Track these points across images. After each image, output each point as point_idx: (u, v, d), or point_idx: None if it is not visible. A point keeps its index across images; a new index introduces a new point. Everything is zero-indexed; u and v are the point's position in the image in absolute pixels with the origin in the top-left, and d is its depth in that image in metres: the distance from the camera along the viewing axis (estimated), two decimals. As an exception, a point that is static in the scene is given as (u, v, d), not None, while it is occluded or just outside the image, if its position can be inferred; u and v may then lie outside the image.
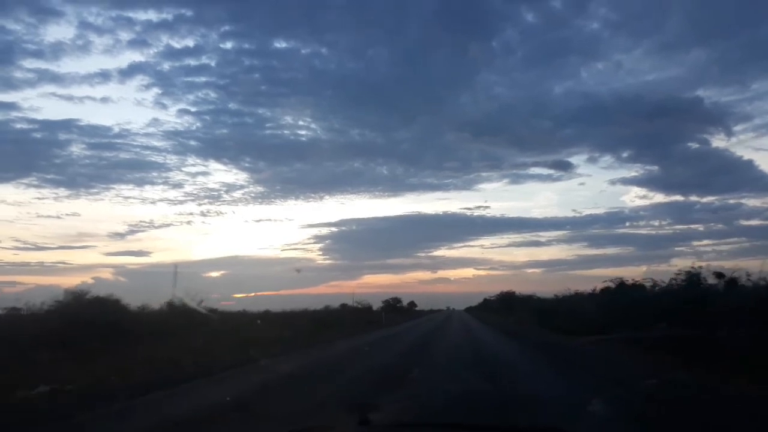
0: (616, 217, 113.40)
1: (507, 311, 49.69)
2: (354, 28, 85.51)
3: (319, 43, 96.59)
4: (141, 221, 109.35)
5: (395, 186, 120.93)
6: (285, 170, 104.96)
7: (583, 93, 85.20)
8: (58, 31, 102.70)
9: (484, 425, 3.94)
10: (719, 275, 17.82)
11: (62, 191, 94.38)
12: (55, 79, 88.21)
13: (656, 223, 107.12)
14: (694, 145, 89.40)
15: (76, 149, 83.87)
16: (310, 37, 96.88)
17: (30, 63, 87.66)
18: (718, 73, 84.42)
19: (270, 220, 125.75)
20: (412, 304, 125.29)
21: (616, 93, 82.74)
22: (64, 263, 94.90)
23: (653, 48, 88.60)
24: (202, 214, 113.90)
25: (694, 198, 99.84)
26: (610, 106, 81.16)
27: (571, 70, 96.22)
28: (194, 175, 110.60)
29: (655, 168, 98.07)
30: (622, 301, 22.48)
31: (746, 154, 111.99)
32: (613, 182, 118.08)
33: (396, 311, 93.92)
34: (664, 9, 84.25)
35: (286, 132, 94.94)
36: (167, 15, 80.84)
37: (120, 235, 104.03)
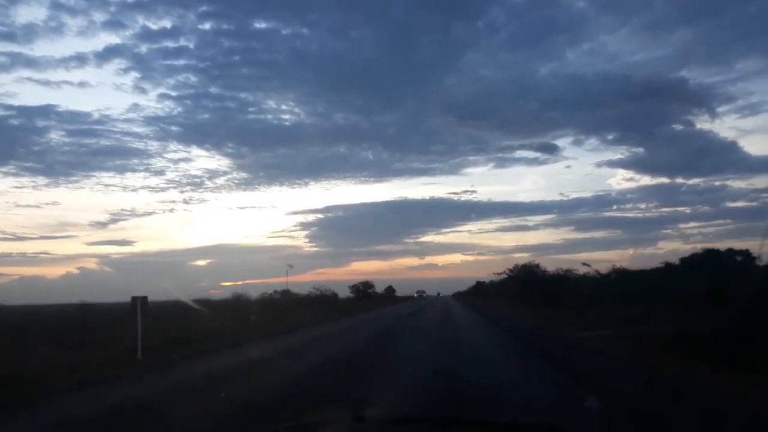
0: (602, 201, 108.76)
1: (534, 300, 28.72)
2: (336, 7, 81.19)
3: (301, 23, 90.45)
4: (123, 209, 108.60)
5: (381, 171, 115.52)
6: (268, 156, 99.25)
7: (569, 74, 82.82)
8: (30, 12, 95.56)
9: (479, 421, 3.98)
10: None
11: (41, 180, 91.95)
12: (30, 63, 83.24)
13: (643, 206, 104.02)
14: (679, 127, 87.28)
15: (55, 136, 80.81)
16: (291, 18, 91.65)
17: (2, 46, 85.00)
18: (703, 53, 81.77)
19: (255, 207, 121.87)
20: (390, 289, 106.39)
21: (602, 74, 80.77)
22: (46, 254, 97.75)
23: (639, 27, 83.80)
24: (185, 201, 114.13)
25: (680, 180, 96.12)
26: (596, 88, 79.41)
27: (557, 51, 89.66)
28: (176, 161, 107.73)
29: (641, 150, 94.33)
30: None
31: (730, 135, 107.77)
32: (599, 165, 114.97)
33: (367, 299, 73.84)
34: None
35: (269, 116, 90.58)
36: (142, -6, 74.85)
37: (102, 224, 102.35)
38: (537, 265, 32.60)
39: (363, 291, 78.99)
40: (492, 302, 45.68)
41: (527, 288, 31.92)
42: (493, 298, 53.84)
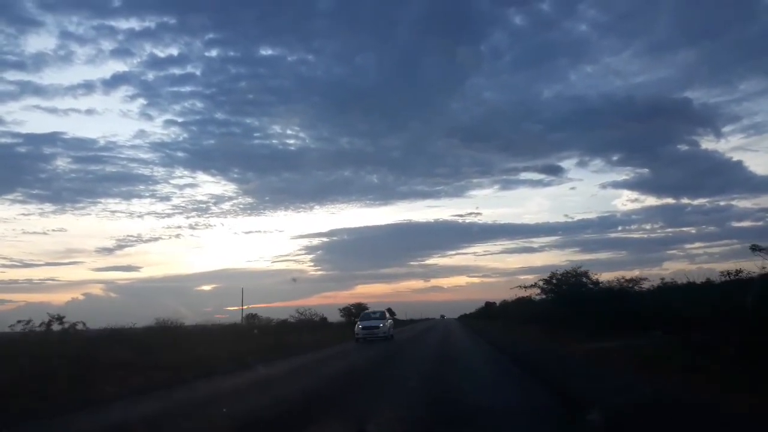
0: (608, 222, 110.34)
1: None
2: (341, 34, 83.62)
3: (306, 49, 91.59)
4: (129, 235, 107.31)
5: (386, 194, 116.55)
6: (274, 180, 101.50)
7: (573, 96, 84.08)
8: (39, 42, 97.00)
9: None
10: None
11: (48, 206, 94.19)
12: (38, 91, 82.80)
13: (648, 227, 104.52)
14: (684, 147, 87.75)
15: (62, 163, 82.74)
16: (297, 44, 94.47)
17: (12, 75, 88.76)
18: (707, 74, 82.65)
19: (260, 231, 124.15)
20: (389, 312, 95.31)
21: (606, 96, 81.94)
22: (52, 280, 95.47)
23: (642, 49, 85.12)
24: (191, 227, 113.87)
25: (685, 200, 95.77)
26: (600, 109, 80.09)
27: (560, 74, 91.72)
28: (182, 187, 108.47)
29: (646, 171, 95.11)
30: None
31: (736, 155, 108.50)
32: (604, 186, 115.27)
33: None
34: (653, 10, 79.52)
35: (274, 141, 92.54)
36: (150, 23, 79.33)
37: (108, 250, 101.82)
38: (585, 273, 22.24)
39: (356, 315, 68.37)
40: (515, 331, 34.83)
41: (571, 305, 21.64)
42: (513, 323, 43.30)
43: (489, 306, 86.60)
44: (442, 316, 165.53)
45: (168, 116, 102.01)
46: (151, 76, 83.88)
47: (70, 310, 79.30)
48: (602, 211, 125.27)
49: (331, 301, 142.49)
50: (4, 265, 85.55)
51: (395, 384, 11.56)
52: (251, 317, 42.70)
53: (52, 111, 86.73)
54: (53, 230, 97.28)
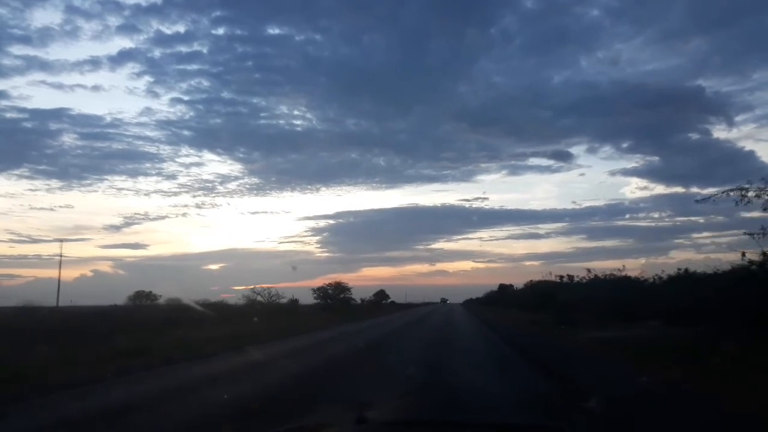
0: (615, 209, 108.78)
1: None
2: (348, 14, 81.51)
3: (313, 29, 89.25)
4: (136, 213, 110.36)
5: (392, 177, 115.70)
6: (280, 161, 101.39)
7: (583, 82, 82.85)
8: (45, 16, 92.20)
9: (480, 423, 3.69)
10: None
11: (55, 182, 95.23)
12: (44, 66, 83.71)
13: (656, 215, 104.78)
14: (695, 136, 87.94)
15: (68, 139, 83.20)
16: (304, 24, 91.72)
17: (18, 49, 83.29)
18: (720, 63, 79.82)
19: (266, 212, 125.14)
20: (380, 295, 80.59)
21: (617, 82, 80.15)
22: (60, 256, 60.53)
23: (654, 37, 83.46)
24: (197, 206, 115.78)
25: (694, 189, 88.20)
26: (610, 96, 78.49)
27: (570, 59, 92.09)
28: (188, 165, 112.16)
29: (656, 159, 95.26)
30: None
31: (747, 144, 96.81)
32: (613, 173, 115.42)
33: (331, 310, 48.00)
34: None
35: (281, 122, 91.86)
36: (154, -4, 55.17)
37: (116, 228, 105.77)
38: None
39: (334, 298, 53.09)
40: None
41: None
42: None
43: (504, 289, 71.35)
44: (444, 300, 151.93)
45: (174, 94, 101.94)
46: (157, 53, 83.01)
47: (79, 286, 75.58)
48: (610, 199, 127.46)
49: (335, 283, 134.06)
50: (12, 240, 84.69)
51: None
52: (147, 298, 27.34)
53: (58, 87, 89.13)
54: (60, 206, 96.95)
